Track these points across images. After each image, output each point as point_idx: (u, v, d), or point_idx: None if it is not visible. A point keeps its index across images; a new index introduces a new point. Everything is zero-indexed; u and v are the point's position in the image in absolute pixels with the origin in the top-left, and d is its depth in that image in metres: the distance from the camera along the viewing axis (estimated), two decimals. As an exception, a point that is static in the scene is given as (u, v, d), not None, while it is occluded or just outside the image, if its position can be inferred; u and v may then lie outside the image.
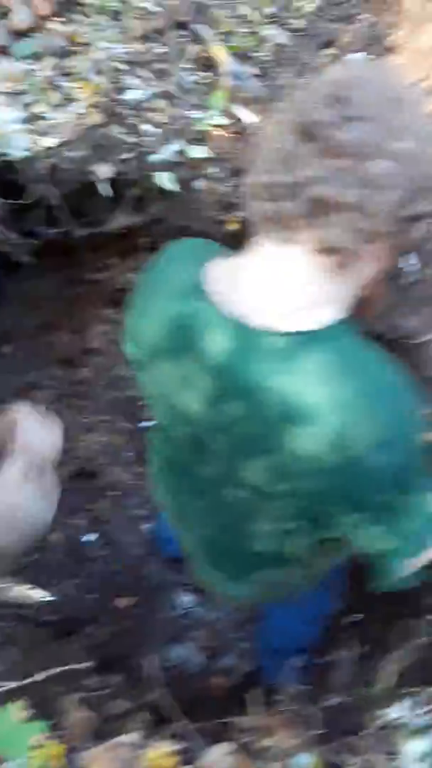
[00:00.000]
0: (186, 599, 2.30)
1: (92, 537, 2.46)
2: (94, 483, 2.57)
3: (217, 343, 0.90)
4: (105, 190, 2.21)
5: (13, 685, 1.31)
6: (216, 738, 1.24)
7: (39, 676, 1.36)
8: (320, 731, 1.17)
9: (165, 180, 2.15)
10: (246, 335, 0.88)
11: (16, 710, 1.14)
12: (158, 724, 1.33)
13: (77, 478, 2.60)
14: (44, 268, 2.78)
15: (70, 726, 1.25)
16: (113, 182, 2.22)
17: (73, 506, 2.51)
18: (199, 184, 2.16)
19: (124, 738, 1.21)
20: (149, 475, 1.39)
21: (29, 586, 1.48)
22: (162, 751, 1.16)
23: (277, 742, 1.15)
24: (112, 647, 2.12)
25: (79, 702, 1.30)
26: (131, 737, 1.21)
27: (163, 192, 2.20)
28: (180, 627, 2.27)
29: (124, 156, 2.17)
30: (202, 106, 2.19)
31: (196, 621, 2.27)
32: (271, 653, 1.88)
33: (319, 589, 1.53)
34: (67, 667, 1.39)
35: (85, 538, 2.44)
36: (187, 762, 1.16)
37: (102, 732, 1.32)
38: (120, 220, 2.38)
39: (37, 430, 1.04)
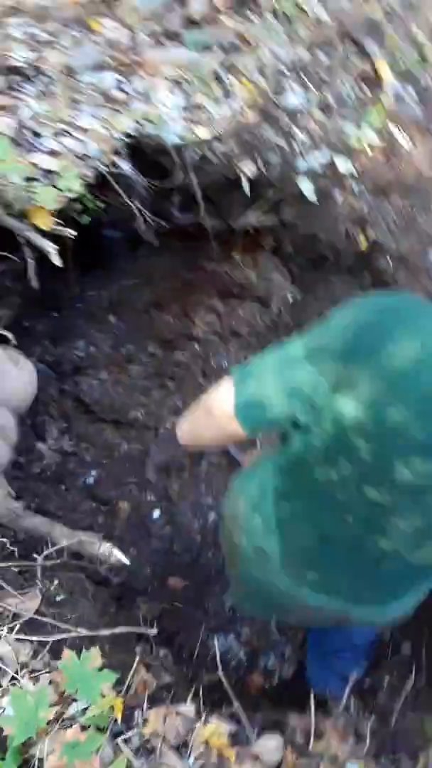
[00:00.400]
0: (238, 594, 2.36)
1: (158, 514, 2.54)
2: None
3: None
4: (245, 187, 2.26)
5: (84, 632, 1.39)
6: (265, 729, 1.28)
7: (106, 631, 1.43)
8: (371, 745, 1.20)
9: (305, 187, 2.19)
10: None
11: (94, 657, 1.21)
12: (211, 703, 1.38)
13: (155, 455, 2.68)
14: (166, 249, 2.88)
15: (132, 684, 1.32)
16: (254, 181, 2.28)
17: (145, 483, 2.59)
18: (338, 197, 2.19)
19: (182, 707, 1.27)
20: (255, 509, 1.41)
21: (112, 546, 1.56)
22: (216, 727, 1.21)
23: (327, 746, 1.18)
24: (162, 622, 2.19)
25: (141, 664, 1.36)
26: (188, 708, 1.27)
27: (300, 198, 2.25)
28: (225, 618, 2.32)
29: (271, 158, 2.23)
30: (357, 122, 2.22)
31: (242, 616, 2.32)
32: (323, 661, 1.90)
33: None
34: (133, 629, 1.46)
35: (151, 515, 2.53)
36: (237, 744, 1.20)
37: (155, 697, 1.38)
38: (251, 219, 2.44)
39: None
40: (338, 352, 1.02)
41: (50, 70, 2.34)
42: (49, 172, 2.02)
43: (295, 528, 1.26)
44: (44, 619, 1.34)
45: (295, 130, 2.23)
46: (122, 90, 2.36)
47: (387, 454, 1.02)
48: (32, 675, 1.26)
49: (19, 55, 2.32)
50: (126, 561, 1.54)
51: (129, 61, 2.41)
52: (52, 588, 1.47)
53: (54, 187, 1.98)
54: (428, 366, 0.95)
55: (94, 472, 2.56)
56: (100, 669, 1.21)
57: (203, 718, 1.26)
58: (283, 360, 1.12)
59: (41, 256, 2.15)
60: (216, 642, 2.24)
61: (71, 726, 1.18)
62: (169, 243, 2.85)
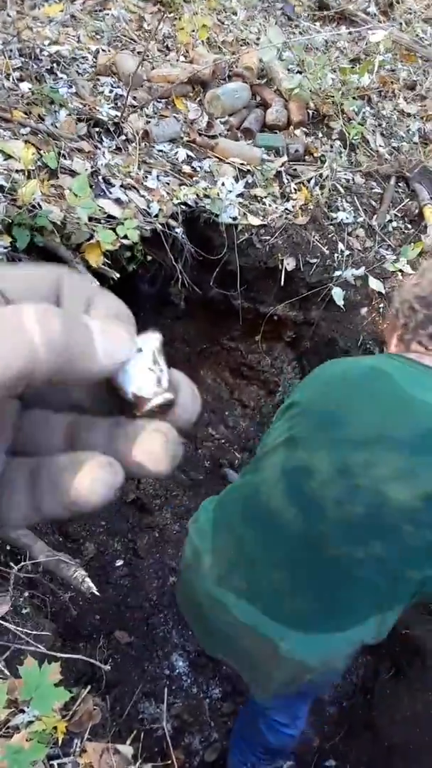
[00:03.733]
0: (180, 664, 2.32)
1: (120, 564, 2.53)
2: (144, 519, 2.67)
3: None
4: (281, 279, 2.43)
5: (43, 650, 1.40)
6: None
7: (65, 655, 1.44)
8: None
9: (336, 293, 2.36)
10: None
11: (54, 671, 1.23)
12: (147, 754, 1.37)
13: (131, 506, 2.70)
14: (190, 316, 3.02)
15: (77, 712, 1.32)
16: (290, 275, 2.45)
17: (117, 530, 2.60)
18: (365, 310, 2.35)
19: (121, 747, 1.26)
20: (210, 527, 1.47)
21: (86, 575, 1.58)
22: (151, 775, 1.21)
23: None
24: (102, 670, 2.15)
25: (90, 695, 1.36)
26: (127, 749, 1.27)
27: (328, 302, 2.41)
28: (161, 686, 2.28)
29: (311, 260, 2.41)
30: (395, 250, 2.42)
31: (179, 688, 2.28)
32: (243, 754, 1.87)
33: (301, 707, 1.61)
34: (89, 659, 1.46)
35: (114, 563, 2.52)
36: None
37: (95, 732, 1.37)
38: (279, 309, 2.60)
39: None
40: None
41: (130, 132, 2.56)
42: (111, 217, 2.17)
43: (225, 528, 1.35)
44: (8, 626, 1.35)
45: (339, 242, 2.42)
46: (191, 165, 2.57)
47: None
48: (-14, 677, 1.26)
49: (105, 111, 2.53)
50: (96, 592, 1.55)
51: (203, 143, 2.64)
52: (21, 599, 1.48)
53: (113, 231, 2.12)
54: None
55: (68, 508, 2.57)
56: (56, 685, 1.22)
57: (138, 764, 1.26)
58: None
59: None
60: (144, 706, 2.19)
61: (13, 735, 1.18)
62: (194, 311, 2.99)
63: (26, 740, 1.15)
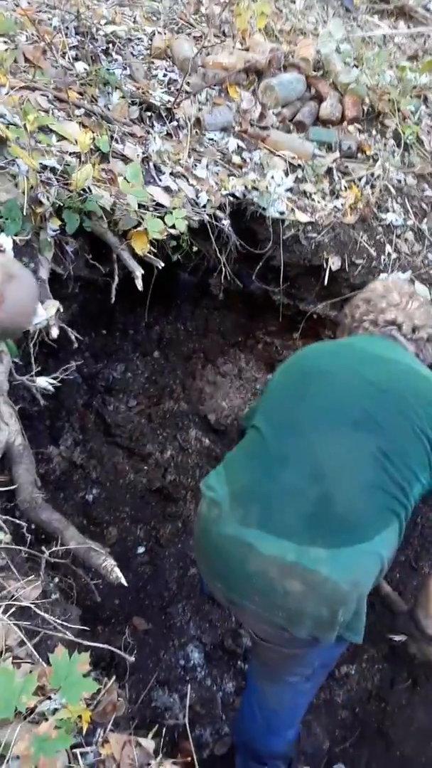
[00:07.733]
0: (195, 654, 2.33)
1: (142, 551, 2.54)
2: (168, 507, 2.67)
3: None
4: (324, 278, 2.39)
5: (70, 636, 1.41)
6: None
7: (92, 643, 1.44)
8: None
9: (380, 296, 2.31)
10: None
11: (83, 661, 1.23)
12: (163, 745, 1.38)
13: (156, 494, 2.70)
14: (228, 308, 3.00)
15: (101, 702, 1.32)
16: (334, 275, 2.41)
17: (140, 518, 2.61)
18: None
19: (143, 740, 1.27)
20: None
21: (115, 564, 1.59)
22: (172, 771, 1.21)
23: None
24: (119, 657, 2.17)
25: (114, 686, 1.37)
26: (149, 743, 1.27)
27: (371, 304, 2.37)
28: (176, 675, 2.29)
29: (357, 260, 2.37)
30: (444, 255, 2.37)
31: (193, 679, 2.29)
32: (248, 751, 1.86)
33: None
34: (115, 650, 1.47)
35: (136, 549, 2.53)
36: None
37: (118, 723, 1.37)
38: (318, 307, 2.56)
39: None
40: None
41: (182, 118, 2.52)
42: (160, 205, 2.15)
43: (235, 474, 1.47)
44: (38, 612, 1.36)
45: (387, 245, 2.37)
46: (241, 156, 2.53)
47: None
48: (14, 661, 1.27)
49: (158, 95, 2.50)
50: (124, 582, 1.56)
51: (254, 134, 2.60)
52: (51, 585, 1.49)
53: (161, 219, 2.10)
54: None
55: (95, 491, 2.59)
56: (84, 676, 1.23)
57: (160, 758, 1.26)
58: None
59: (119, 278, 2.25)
60: (156, 695, 2.21)
61: (38, 722, 1.19)
62: (232, 303, 2.97)
63: (54, 728, 1.16)
